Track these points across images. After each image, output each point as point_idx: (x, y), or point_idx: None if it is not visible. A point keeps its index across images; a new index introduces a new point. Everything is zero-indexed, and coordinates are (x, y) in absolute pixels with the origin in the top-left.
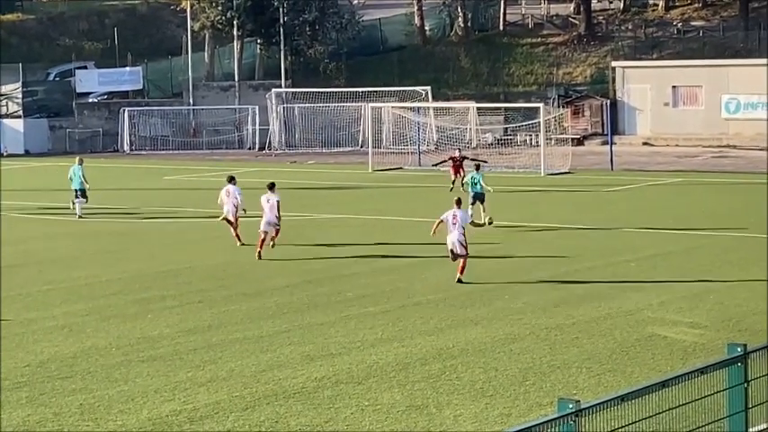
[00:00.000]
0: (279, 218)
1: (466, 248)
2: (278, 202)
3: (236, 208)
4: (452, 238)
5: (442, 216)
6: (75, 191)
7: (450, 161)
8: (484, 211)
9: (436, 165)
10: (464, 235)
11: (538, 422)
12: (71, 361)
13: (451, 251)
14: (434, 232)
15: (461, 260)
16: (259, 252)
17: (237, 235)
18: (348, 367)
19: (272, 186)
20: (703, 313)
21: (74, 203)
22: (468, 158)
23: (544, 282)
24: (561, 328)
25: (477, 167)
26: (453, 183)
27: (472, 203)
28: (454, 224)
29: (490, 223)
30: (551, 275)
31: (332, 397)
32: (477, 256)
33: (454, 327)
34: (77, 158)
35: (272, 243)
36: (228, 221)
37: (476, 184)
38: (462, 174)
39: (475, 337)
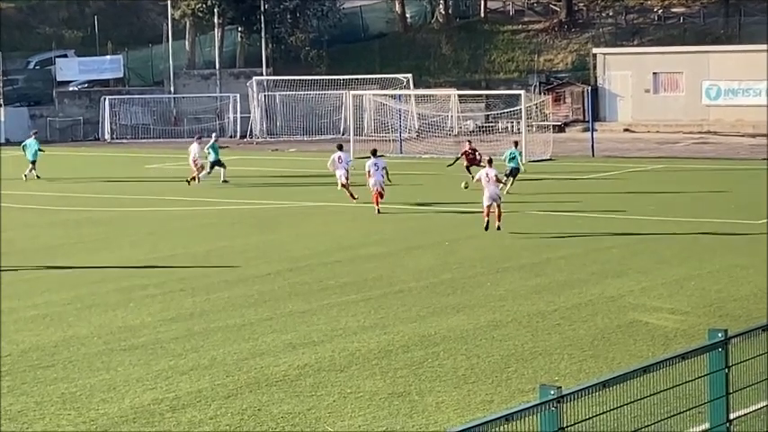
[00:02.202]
0: (384, 181)
1: (500, 200)
2: (385, 168)
3: (347, 171)
4: (489, 193)
5: (478, 175)
6: (213, 162)
7: (464, 156)
8: (511, 184)
9: (451, 165)
10: (498, 188)
11: (520, 408)
12: (52, 350)
13: (487, 207)
14: (467, 185)
15: (498, 210)
16: (378, 209)
17: (351, 194)
18: (330, 355)
19: (374, 152)
20: (684, 299)
21: (210, 172)
22: (478, 151)
23: (525, 268)
24: (543, 314)
25: (516, 144)
26: (469, 170)
27: (507, 175)
28: (488, 181)
29: (507, 192)
30: (533, 262)
31: (314, 384)
32: (459, 241)
33: (436, 314)
34: (213, 135)
35: (377, 209)
36: (343, 185)
37: (513, 158)
38: (479, 163)
39: (457, 324)
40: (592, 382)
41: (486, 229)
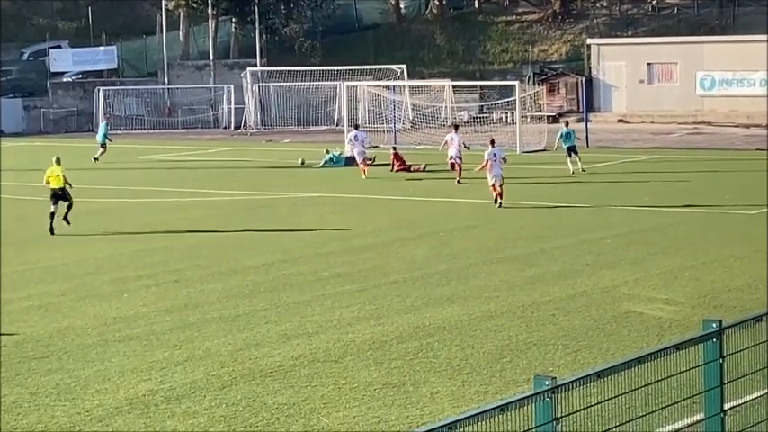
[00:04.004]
0: (461, 153)
1: (503, 179)
2: (461, 141)
3: (364, 149)
4: (495, 173)
5: (486, 156)
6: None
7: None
8: (576, 162)
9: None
10: (502, 168)
11: (514, 399)
12: (47, 341)
13: (493, 185)
14: (481, 169)
15: (501, 189)
16: (458, 180)
17: (364, 170)
18: (325, 346)
19: (456, 127)
20: (679, 290)
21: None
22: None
23: (520, 259)
24: (537, 305)
25: (567, 123)
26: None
27: (568, 155)
28: (495, 161)
29: (583, 170)
30: (527, 253)
31: (309, 375)
32: (453, 232)
33: (431, 305)
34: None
35: (457, 180)
36: (363, 162)
37: (570, 137)
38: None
39: (451, 314)
40: (586, 373)
41: (497, 204)
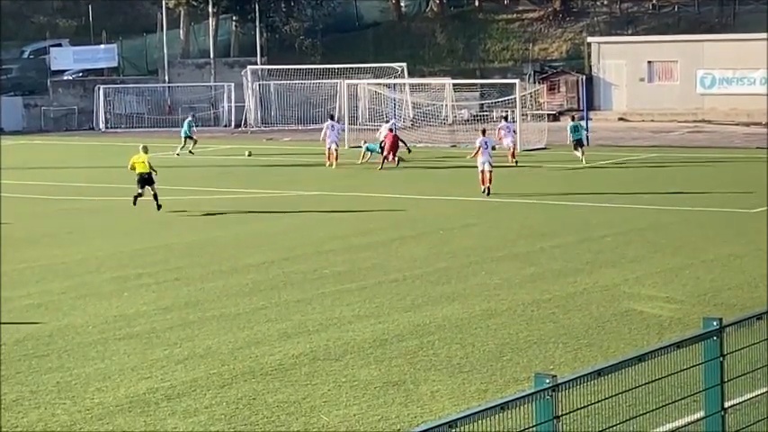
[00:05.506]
0: (515, 143)
1: (492, 166)
2: (513, 131)
3: (337, 139)
4: (484, 159)
5: (477, 143)
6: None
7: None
8: (582, 154)
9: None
10: (491, 156)
11: (515, 397)
12: (47, 339)
13: (482, 171)
14: (474, 155)
15: (490, 175)
16: (516, 163)
17: (329, 156)
18: (325, 344)
19: (506, 118)
20: (679, 288)
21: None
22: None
23: (520, 258)
24: (538, 303)
25: (573, 117)
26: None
27: (574, 148)
28: (485, 149)
29: (586, 163)
30: (527, 251)
31: (309, 374)
32: (453, 231)
33: (431, 303)
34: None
35: (514, 161)
36: (331, 151)
37: (578, 130)
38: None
39: (452, 313)
40: (587, 371)
41: (484, 192)
